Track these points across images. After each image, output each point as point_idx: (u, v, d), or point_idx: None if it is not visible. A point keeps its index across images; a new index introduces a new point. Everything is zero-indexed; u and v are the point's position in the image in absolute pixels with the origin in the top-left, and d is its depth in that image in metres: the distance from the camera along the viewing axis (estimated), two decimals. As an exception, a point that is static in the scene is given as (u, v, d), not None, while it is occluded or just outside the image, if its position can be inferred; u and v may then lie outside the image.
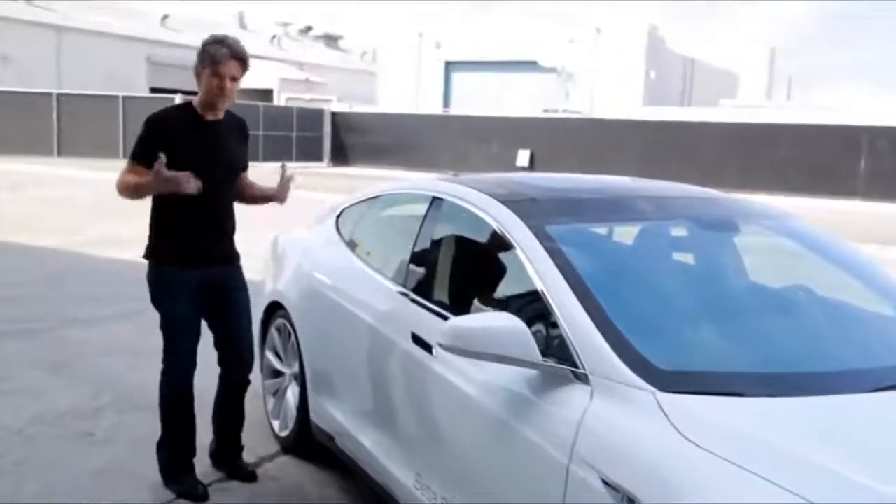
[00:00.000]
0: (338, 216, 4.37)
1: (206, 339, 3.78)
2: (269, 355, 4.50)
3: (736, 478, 1.88)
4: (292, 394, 4.24)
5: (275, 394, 4.44)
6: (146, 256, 3.66)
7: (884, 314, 3.07)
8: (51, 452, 4.10)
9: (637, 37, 36.90)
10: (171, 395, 3.72)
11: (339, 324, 3.77)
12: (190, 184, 3.38)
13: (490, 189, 3.30)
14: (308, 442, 4.07)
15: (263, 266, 4.80)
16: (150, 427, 3.92)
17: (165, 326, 3.66)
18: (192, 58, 3.63)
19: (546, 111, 33.36)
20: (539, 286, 2.67)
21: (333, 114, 34.99)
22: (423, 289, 3.31)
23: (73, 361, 5.61)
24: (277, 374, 4.43)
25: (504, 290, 3.08)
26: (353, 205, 4.35)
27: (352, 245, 4.09)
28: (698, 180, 5.41)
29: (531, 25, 39.75)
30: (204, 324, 3.76)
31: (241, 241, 3.82)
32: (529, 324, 2.46)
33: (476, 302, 3.10)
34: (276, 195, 3.90)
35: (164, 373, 3.71)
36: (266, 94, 38.58)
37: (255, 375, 4.11)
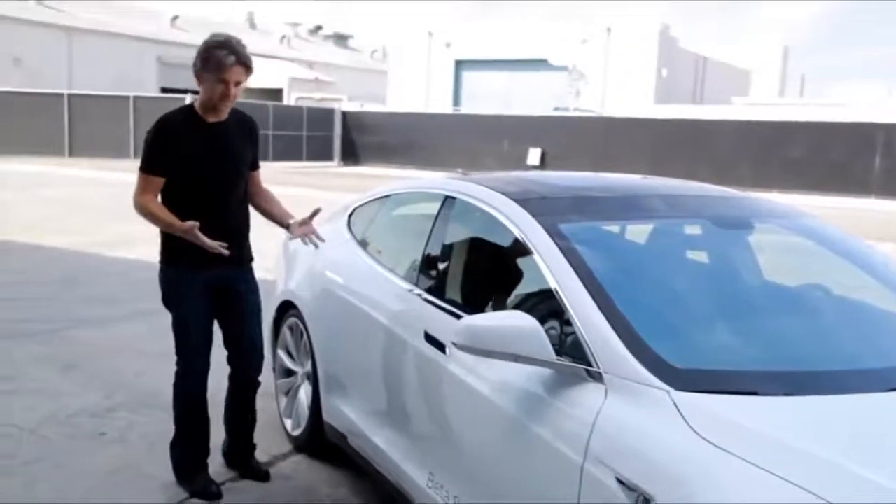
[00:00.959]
0: (349, 215, 4.37)
1: (218, 339, 3.79)
2: (282, 354, 4.49)
3: (752, 477, 1.87)
4: (304, 393, 4.24)
5: (287, 393, 4.44)
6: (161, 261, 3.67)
7: (900, 313, 3.03)
8: (63, 452, 4.11)
9: (648, 35, 36.77)
10: (185, 395, 3.73)
11: (352, 323, 3.77)
12: (216, 249, 3.44)
13: (503, 187, 3.29)
14: (320, 441, 4.07)
15: (275, 265, 4.81)
16: (163, 426, 3.92)
17: (177, 327, 3.67)
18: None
19: (556, 109, 33.30)
20: (552, 284, 2.65)
21: (344, 113, 35.04)
22: (435, 287, 3.30)
23: (85, 361, 5.63)
24: (290, 373, 4.43)
25: (517, 288, 3.05)
26: (364, 204, 4.34)
27: (364, 244, 4.09)
28: (711, 178, 5.40)
29: (541, 24, 39.70)
30: (215, 324, 3.76)
31: (252, 238, 3.82)
32: (543, 322, 2.45)
33: (489, 300, 3.09)
34: (290, 228, 3.75)
35: (178, 373, 3.72)
36: (276, 94, 38.73)
37: (267, 375, 4.11)
